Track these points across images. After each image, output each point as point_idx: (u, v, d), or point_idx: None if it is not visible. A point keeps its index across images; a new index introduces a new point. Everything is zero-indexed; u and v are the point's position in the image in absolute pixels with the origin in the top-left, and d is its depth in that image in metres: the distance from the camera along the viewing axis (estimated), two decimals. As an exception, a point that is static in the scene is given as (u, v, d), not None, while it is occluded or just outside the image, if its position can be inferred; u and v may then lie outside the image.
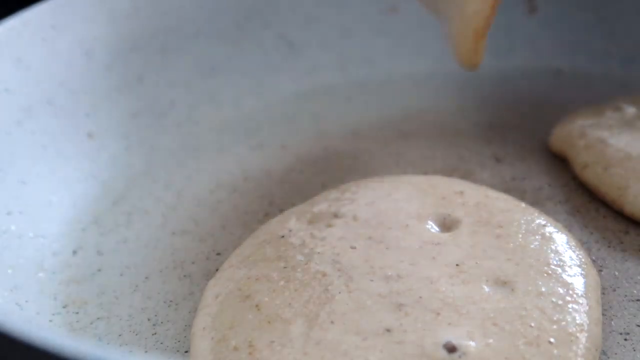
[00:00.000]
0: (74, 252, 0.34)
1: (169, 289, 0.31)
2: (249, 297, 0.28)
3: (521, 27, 0.46)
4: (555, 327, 0.27)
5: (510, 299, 0.27)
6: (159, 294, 0.31)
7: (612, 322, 0.29)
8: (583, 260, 0.30)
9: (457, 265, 0.29)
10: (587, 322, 0.27)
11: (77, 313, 0.30)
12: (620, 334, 0.28)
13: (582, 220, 0.34)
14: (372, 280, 0.28)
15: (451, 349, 0.26)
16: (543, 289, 0.28)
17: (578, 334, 0.26)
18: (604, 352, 0.27)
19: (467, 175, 0.37)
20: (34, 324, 0.29)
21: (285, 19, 0.45)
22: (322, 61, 0.44)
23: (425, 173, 0.37)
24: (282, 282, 0.28)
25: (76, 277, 0.32)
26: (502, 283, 0.28)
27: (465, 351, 0.25)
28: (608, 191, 0.34)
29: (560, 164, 0.37)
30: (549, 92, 0.42)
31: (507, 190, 0.36)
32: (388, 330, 0.26)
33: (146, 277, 0.32)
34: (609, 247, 0.32)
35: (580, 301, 0.28)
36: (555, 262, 0.29)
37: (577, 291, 0.28)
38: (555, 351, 0.26)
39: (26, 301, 0.31)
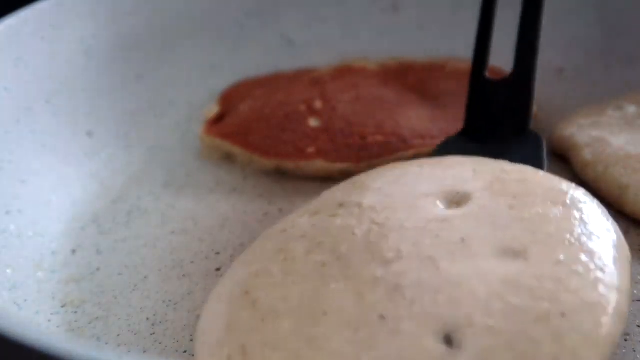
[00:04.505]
0: (73, 252, 0.34)
1: (168, 288, 0.31)
2: (248, 293, 0.27)
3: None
4: (571, 297, 0.23)
5: (521, 269, 0.24)
6: (158, 293, 0.31)
7: (612, 323, 0.29)
8: (614, 229, 0.27)
9: (462, 240, 0.26)
10: (614, 290, 0.24)
11: (76, 312, 0.30)
12: (621, 334, 0.28)
13: (582, 220, 0.34)
14: (370, 265, 0.26)
15: (448, 341, 0.23)
16: (562, 258, 0.25)
17: (601, 303, 0.23)
18: (603, 353, 0.27)
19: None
20: (33, 324, 0.29)
21: (286, 17, 0.45)
22: (323, 59, 0.44)
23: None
24: (280, 276, 0.27)
25: (75, 276, 0.32)
26: (513, 253, 0.25)
27: (461, 343, 0.23)
28: (608, 190, 0.34)
29: (560, 163, 0.37)
30: (549, 91, 0.42)
31: (507, 189, 0.36)
32: (382, 318, 0.24)
33: (145, 277, 0.32)
34: (609, 246, 0.32)
35: (607, 270, 0.24)
36: (579, 231, 0.26)
37: (603, 259, 0.25)
38: (567, 325, 0.23)
39: (25, 300, 0.30)
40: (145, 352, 0.28)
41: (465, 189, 0.28)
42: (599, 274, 0.24)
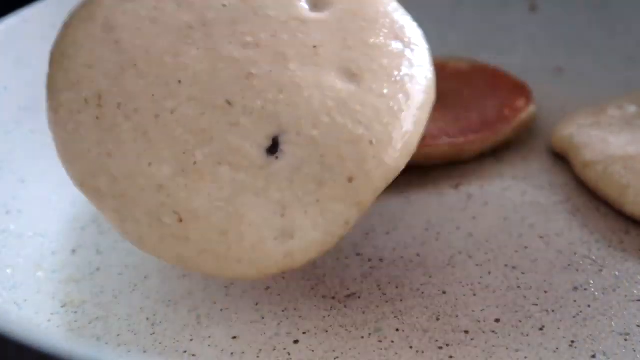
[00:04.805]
0: (73, 251, 0.34)
1: (168, 288, 0.31)
2: (113, 29, 0.27)
3: (522, 25, 0.46)
4: (382, 129, 0.27)
5: (352, 91, 0.27)
6: (158, 293, 0.31)
7: (612, 323, 0.29)
8: (431, 78, 0.30)
9: (314, 47, 0.28)
10: (411, 129, 0.28)
11: (76, 312, 0.30)
12: (621, 334, 0.28)
13: (582, 220, 0.34)
14: (230, 43, 0.27)
15: (274, 145, 0.26)
16: (385, 92, 0.28)
17: (399, 139, 0.27)
18: (604, 353, 0.27)
19: (467, 173, 0.37)
20: (33, 324, 0.29)
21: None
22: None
23: (425, 172, 0.37)
24: (147, 22, 0.27)
25: (75, 276, 0.32)
26: (351, 75, 0.28)
27: (283, 148, 0.26)
28: (608, 191, 0.34)
29: (560, 163, 0.37)
30: (549, 90, 0.42)
31: (507, 189, 0.36)
32: (229, 104, 0.26)
33: (145, 277, 0.32)
34: (609, 246, 0.32)
35: (412, 112, 0.28)
36: (406, 71, 0.29)
37: (414, 103, 0.28)
38: (371, 151, 0.26)
39: (25, 300, 0.30)
40: (145, 352, 0.28)
41: None
42: (406, 115, 0.28)
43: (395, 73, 0.28)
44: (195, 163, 0.26)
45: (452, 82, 0.40)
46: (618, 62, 0.43)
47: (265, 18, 0.28)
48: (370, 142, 0.27)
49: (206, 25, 0.27)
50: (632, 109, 0.38)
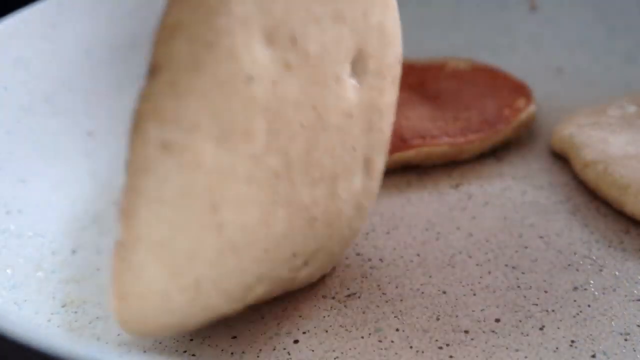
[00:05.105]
0: (73, 251, 0.34)
1: (168, 288, 0.31)
2: (217, 210, 0.24)
3: (522, 25, 0.46)
4: (370, 208, 0.30)
5: (367, 187, 0.29)
6: (158, 293, 0.31)
7: (612, 323, 0.29)
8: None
9: (354, 149, 0.28)
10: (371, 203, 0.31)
11: (76, 312, 0.30)
12: (621, 334, 0.28)
13: (582, 220, 0.34)
14: (304, 185, 0.26)
15: (305, 263, 0.29)
16: (378, 171, 0.30)
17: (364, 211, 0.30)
18: (604, 353, 0.27)
19: (467, 173, 0.37)
20: (33, 324, 0.29)
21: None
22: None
23: (425, 172, 0.37)
24: (245, 187, 0.24)
25: (75, 276, 0.32)
26: (368, 165, 0.29)
27: (310, 263, 0.29)
28: (608, 190, 0.34)
29: (561, 163, 0.37)
30: (549, 91, 0.42)
31: (507, 189, 0.36)
32: (294, 256, 0.27)
33: (145, 277, 0.32)
34: (609, 246, 0.32)
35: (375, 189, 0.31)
36: (388, 132, 0.30)
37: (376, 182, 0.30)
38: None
39: (25, 300, 0.30)
40: (145, 352, 0.28)
41: (366, 49, 0.28)
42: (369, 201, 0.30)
43: (385, 142, 0.30)
44: (255, 296, 0.27)
45: (452, 82, 0.41)
46: (618, 62, 0.43)
47: (330, 132, 0.27)
48: (360, 230, 0.31)
49: (290, 168, 0.26)
50: (632, 109, 0.38)
